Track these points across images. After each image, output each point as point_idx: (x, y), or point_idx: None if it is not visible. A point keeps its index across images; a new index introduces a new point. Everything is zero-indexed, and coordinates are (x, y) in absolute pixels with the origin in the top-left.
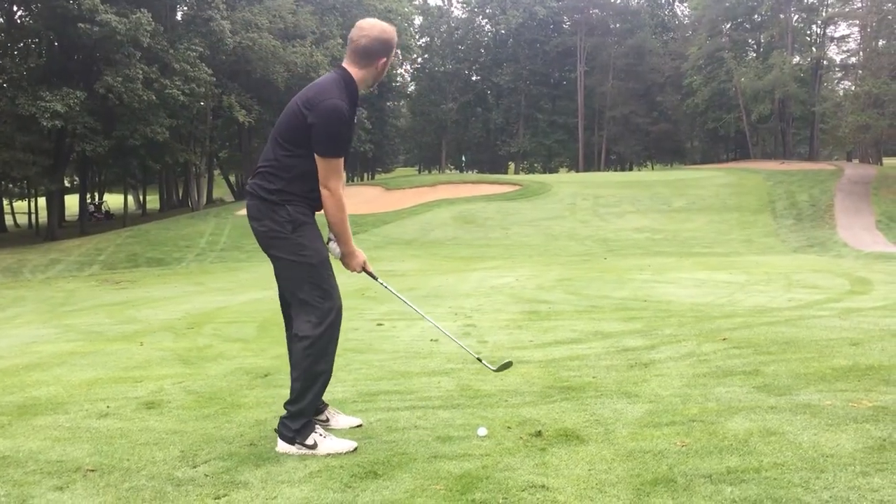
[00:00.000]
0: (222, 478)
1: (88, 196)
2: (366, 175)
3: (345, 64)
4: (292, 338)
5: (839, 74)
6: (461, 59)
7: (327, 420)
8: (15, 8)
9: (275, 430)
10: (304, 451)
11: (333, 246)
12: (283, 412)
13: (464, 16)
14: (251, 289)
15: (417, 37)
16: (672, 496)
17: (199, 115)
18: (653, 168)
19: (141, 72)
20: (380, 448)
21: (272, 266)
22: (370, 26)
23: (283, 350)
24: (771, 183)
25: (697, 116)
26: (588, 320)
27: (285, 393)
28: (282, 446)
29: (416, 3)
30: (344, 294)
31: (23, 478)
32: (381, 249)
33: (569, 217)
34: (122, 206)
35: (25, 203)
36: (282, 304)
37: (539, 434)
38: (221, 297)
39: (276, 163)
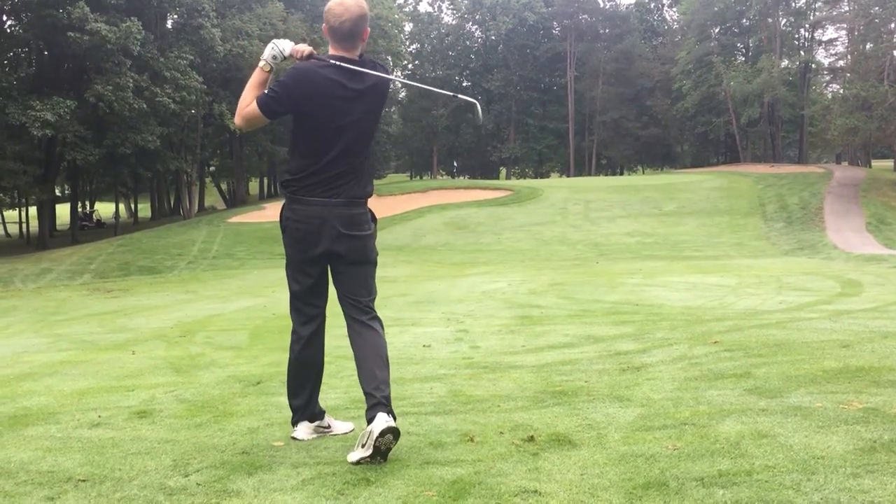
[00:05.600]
0: (214, 486)
1: (80, 205)
2: None
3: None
4: None
5: (827, 77)
6: (451, 65)
7: (329, 427)
8: (4, 18)
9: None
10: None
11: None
12: (277, 419)
13: (454, 22)
14: (243, 296)
15: (408, 43)
16: (664, 500)
17: (189, 122)
18: (643, 172)
19: (131, 80)
20: None
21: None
22: None
23: (275, 358)
24: (761, 186)
25: (687, 120)
26: (580, 324)
27: (278, 401)
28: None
29: (407, 9)
30: (335, 300)
31: (14, 489)
32: None
33: (560, 222)
34: (114, 214)
35: (16, 212)
36: None
37: (531, 439)
38: (213, 304)
39: None
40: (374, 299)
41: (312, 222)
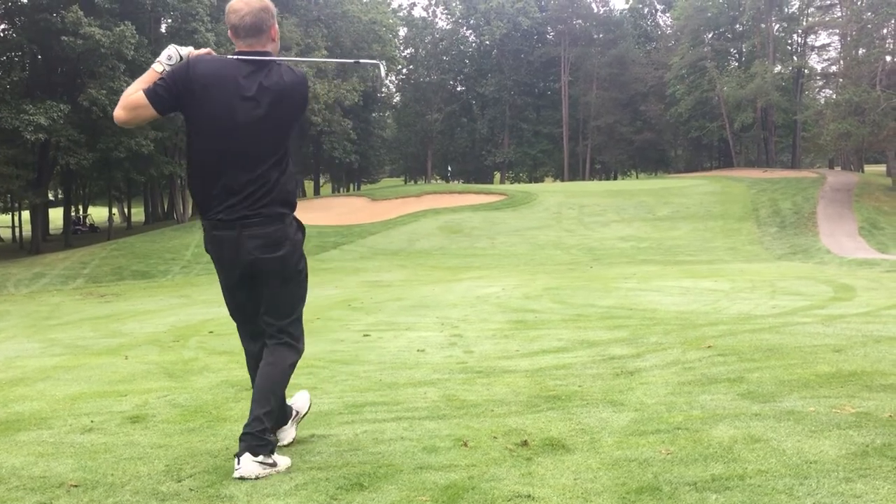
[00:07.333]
0: (207, 491)
1: (73, 209)
2: (352, 186)
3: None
4: None
5: (820, 83)
6: (446, 70)
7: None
8: None
9: None
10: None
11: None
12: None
13: (448, 27)
14: None
15: (402, 48)
16: None
17: (184, 127)
18: (637, 177)
19: (125, 84)
20: (366, 460)
21: None
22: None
23: None
24: (754, 191)
25: (681, 125)
26: (574, 329)
27: None
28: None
29: (401, 14)
30: (329, 305)
31: (5, 494)
32: (368, 260)
33: (554, 226)
34: (107, 219)
35: (9, 217)
36: None
37: (525, 443)
38: (207, 309)
39: None
40: (292, 321)
41: (225, 246)
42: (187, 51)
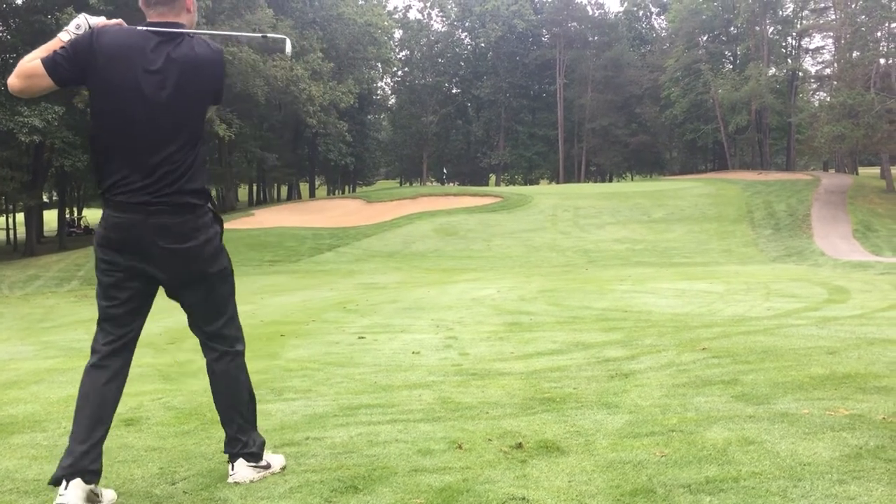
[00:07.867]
0: (201, 494)
1: (68, 211)
2: (347, 188)
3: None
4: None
5: (814, 85)
6: (441, 72)
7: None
8: None
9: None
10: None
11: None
12: (264, 426)
13: (443, 29)
14: None
15: (397, 50)
16: None
17: None
18: (632, 179)
19: None
20: (361, 462)
21: None
22: None
23: (263, 365)
24: (749, 193)
25: (676, 128)
26: (569, 331)
27: (264, 408)
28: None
29: (396, 16)
30: (324, 307)
31: None
32: (363, 262)
33: (550, 228)
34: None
35: (3, 219)
36: None
37: (520, 446)
38: None
39: None
40: (225, 322)
41: (129, 233)
42: (97, 20)
